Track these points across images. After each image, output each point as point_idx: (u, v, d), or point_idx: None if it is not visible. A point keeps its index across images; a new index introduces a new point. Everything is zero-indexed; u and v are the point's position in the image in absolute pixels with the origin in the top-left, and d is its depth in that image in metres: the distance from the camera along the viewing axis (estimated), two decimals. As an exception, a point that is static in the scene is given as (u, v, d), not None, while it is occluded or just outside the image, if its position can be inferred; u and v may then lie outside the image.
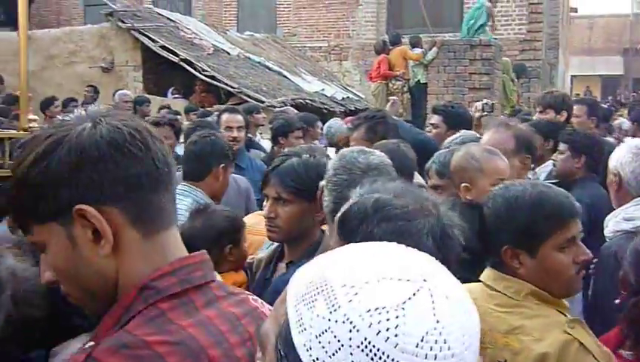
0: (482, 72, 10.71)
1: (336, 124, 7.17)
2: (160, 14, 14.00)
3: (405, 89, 11.88)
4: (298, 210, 2.44)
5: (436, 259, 0.84)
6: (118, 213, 1.09)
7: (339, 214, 1.56)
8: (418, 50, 11.92)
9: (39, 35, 13.72)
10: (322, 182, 2.28)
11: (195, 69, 12.00)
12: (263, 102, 10.71)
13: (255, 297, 1.27)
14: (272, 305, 0.98)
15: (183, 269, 1.13)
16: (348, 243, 1.44)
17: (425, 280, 0.77)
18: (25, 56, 4.19)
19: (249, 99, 11.20)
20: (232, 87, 11.66)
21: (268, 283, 2.50)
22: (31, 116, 4.20)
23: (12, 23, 15.00)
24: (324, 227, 2.74)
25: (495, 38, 11.72)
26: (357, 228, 1.45)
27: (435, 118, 5.00)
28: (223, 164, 3.45)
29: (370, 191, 1.53)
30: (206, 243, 2.50)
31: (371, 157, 2.31)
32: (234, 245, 2.65)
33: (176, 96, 12.54)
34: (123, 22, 12.78)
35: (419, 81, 11.80)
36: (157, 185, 1.12)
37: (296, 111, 8.31)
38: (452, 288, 0.80)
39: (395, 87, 11.90)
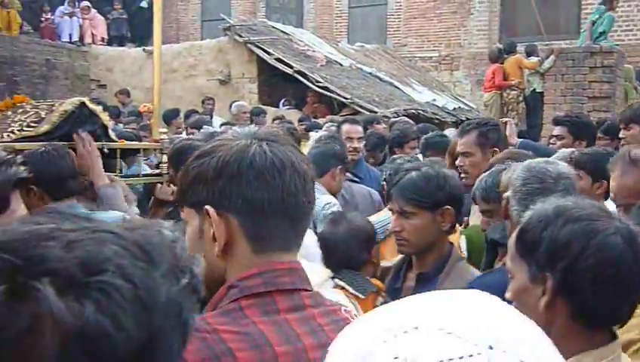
0: (603, 80, 10.31)
1: (451, 134, 7.11)
2: (274, 27, 14.37)
3: (520, 98, 11.63)
4: (422, 222, 2.53)
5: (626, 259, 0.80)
6: (237, 224, 1.23)
7: (515, 232, 1.57)
8: (534, 59, 11.62)
9: (162, 51, 14.36)
10: (507, 193, 2.35)
11: (308, 80, 12.25)
12: (375, 112, 10.77)
13: (348, 309, 1.34)
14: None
15: (269, 273, 1.22)
16: (527, 257, 1.47)
17: (491, 347, 0.61)
18: (158, 72, 4.46)
19: (362, 110, 11.30)
20: (345, 98, 11.81)
21: (398, 293, 2.56)
22: (162, 129, 4.45)
23: (137, 40, 15.90)
24: (452, 238, 2.77)
25: (617, 45, 11.27)
26: (540, 235, 1.46)
27: (558, 130, 4.86)
28: (340, 166, 3.90)
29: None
30: (350, 249, 2.58)
31: (559, 166, 2.39)
32: (372, 251, 2.72)
33: (288, 106, 12.84)
34: (240, 36, 13.22)
35: (534, 90, 11.52)
36: (278, 213, 1.24)
37: (412, 121, 8.31)
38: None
39: (509, 96, 11.68)
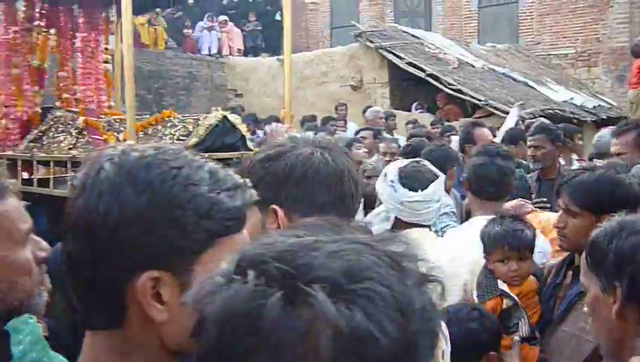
0: None
1: (607, 134, 6.89)
2: (405, 32, 14.45)
3: (671, 95, 11.01)
4: (585, 223, 2.50)
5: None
6: None
7: (585, 248, 1.72)
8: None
9: (294, 59, 14.83)
10: None
11: (440, 83, 12.24)
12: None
13: None
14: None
15: None
16: (597, 270, 1.62)
17: None
18: (289, 80, 4.69)
19: (496, 112, 11.16)
20: (478, 100, 11.70)
21: (558, 289, 2.62)
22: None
23: (270, 49, 16.47)
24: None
25: None
26: (606, 248, 1.59)
27: None
28: (454, 166, 4.25)
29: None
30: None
31: None
32: None
33: (421, 110, 12.87)
34: (371, 41, 13.40)
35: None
36: (335, 215, 1.34)
37: (548, 121, 8.12)
38: None
39: (657, 93, 11.08)
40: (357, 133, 8.92)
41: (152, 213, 0.94)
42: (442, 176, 2.94)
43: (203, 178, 0.98)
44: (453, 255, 2.71)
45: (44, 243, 1.44)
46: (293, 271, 0.64)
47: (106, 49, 5.13)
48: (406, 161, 2.87)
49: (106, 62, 5.08)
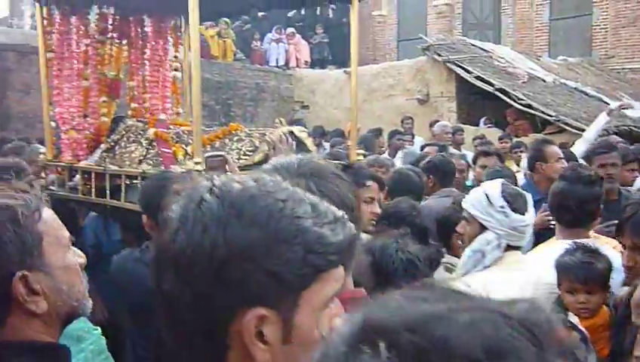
0: None
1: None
2: (473, 45, 14.26)
3: None
4: None
5: None
6: None
7: None
8: None
9: (361, 72, 14.86)
10: None
11: (510, 97, 12.00)
12: (583, 130, 10.30)
13: None
14: None
15: None
16: None
17: None
18: (355, 93, 4.65)
19: (567, 128, 10.86)
20: (549, 116, 11.41)
21: (628, 320, 2.50)
22: (359, 151, 4.64)
23: (337, 62, 16.52)
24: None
25: None
26: None
27: None
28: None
29: None
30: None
31: None
32: None
33: (489, 125, 12.65)
34: (439, 55, 13.28)
35: None
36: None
37: (619, 139, 7.86)
38: None
39: None
40: (422, 147, 8.82)
41: (260, 247, 0.91)
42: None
43: (307, 211, 0.96)
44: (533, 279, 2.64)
45: (79, 251, 1.51)
46: (429, 346, 0.58)
47: (175, 57, 5.20)
48: (497, 183, 2.75)
49: (175, 70, 5.14)
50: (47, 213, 1.41)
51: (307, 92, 16.33)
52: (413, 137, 10.79)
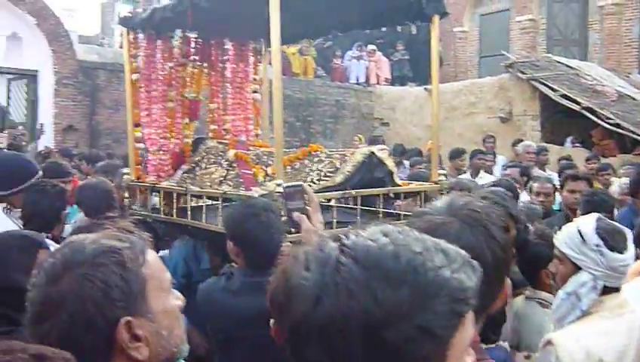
0: None
1: None
2: (559, 62, 13.87)
3: None
4: None
5: None
6: None
7: None
8: None
9: (442, 89, 14.71)
10: None
11: (597, 116, 11.59)
12: (676, 151, 9.84)
13: None
14: None
15: None
16: None
17: None
18: (437, 112, 4.55)
19: (659, 148, 10.40)
20: (639, 135, 10.96)
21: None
22: (440, 171, 4.53)
23: (417, 78, 16.41)
24: None
25: None
26: None
27: None
28: None
29: None
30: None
31: None
32: None
33: (576, 145, 12.24)
34: (522, 72, 12.97)
35: None
36: None
37: None
38: None
39: None
40: (505, 168, 8.60)
41: (412, 305, 0.89)
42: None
43: (442, 259, 0.94)
44: None
45: (178, 293, 1.46)
46: None
47: (255, 79, 5.28)
48: (591, 219, 2.60)
49: (254, 92, 5.22)
50: (151, 256, 1.38)
51: (387, 109, 16.29)
52: (495, 157, 10.54)
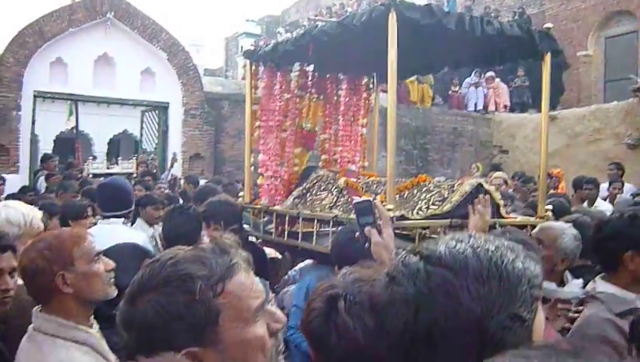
0: None
1: None
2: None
3: None
4: None
5: None
6: None
7: None
8: None
9: (564, 115, 14.30)
10: None
11: None
12: None
13: None
14: None
15: None
16: None
17: None
18: (545, 141, 4.52)
19: None
20: None
21: None
22: (547, 206, 4.48)
23: (538, 105, 16.01)
24: None
25: None
26: None
27: None
28: None
29: None
30: None
31: None
32: None
33: None
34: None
35: None
36: None
37: None
38: None
39: None
40: (634, 195, 8.24)
41: (502, 296, 1.00)
42: None
43: (511, 253, 1.06)
44: None
45: (280, 314, 1.41)
46: None
47: (365, 112, 5.47)
48: None
49: (362, 126, 5.41)
50: (236, 283, 1.30)
51: (506, 136, 15.98)
52: (622, 185, 10.08)
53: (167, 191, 8.88)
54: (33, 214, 3.23)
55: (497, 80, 16.73)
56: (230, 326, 1.26)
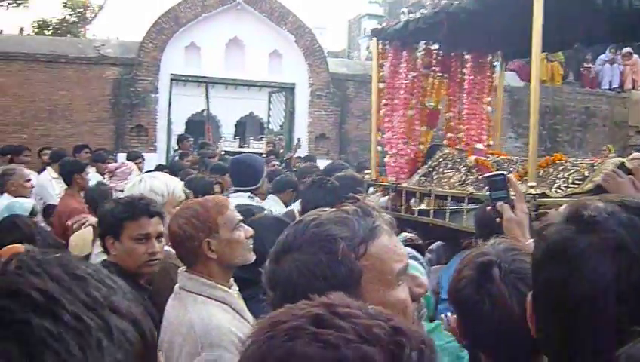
0: None
1: None
2: None
3: None
4: None
5: None
6: None
7: None
8: None
9: None
10: None
11: None
12: None
13: None
14: None
15: None
16: None
17: None
18: None
19: None
20: None
21: None
22: None
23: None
24: None
25: None
26: None
27: None
28: None
29: None
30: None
31: None
32: None
33: None
34: None
35: None
36: None
37: None
38: None
39: None
40: None
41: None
42: None
43: None
44: None
45: (422, 279, 1.41)
46: None
47: (489, 91, 5.41)
48: None
49: (487, 104, 5.35)
50: (379, 245, 1.29)
51: (644, 116, 15.15)
52: None
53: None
54: (175, 184, 3.48)
55: (635, 56, 15.81)
56: (372, 288, 1.25)
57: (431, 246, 4.49)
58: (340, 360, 0.69)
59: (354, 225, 1.28)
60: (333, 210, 1.34)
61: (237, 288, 2.51)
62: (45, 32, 23.53)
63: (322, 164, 10.45)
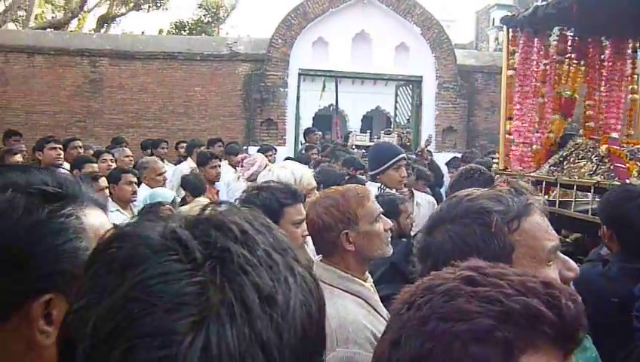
0: None
1: None
2: None
3: None
4: None
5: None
6: None
7: None
8: None
9: None
10: None
11: None
12: None
13: None
14: None
15: None
16: None
17: None
18: None
19: None
20: None
21: None
22: None
23: None
24: None
25: None
26: None
27: None
28: None
29: None
30: None
31: None
32: None
33: None
34: None
35: None
36: None
37: None
38: None
39: None
40: None
41: None
42: None
43: None
44: None
45: (572, 263, 1.39)
46: None
47: (633, 78, 5.13)
48: None
49: (633, 92, 5.07)
50: (532, 222, 1.31)
51: None
52: None
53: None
54: (303, 172, 3.53)
55: None
56: (523, 263, 1.25)
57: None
58: (507, 313, 0.70)
59: (507, 201, 1.31)
60: (487, 189, 1.38)
61: (372, 281, 2.49)
62: (182, 32, 24.74)
63: (447, 157, 10.42)
